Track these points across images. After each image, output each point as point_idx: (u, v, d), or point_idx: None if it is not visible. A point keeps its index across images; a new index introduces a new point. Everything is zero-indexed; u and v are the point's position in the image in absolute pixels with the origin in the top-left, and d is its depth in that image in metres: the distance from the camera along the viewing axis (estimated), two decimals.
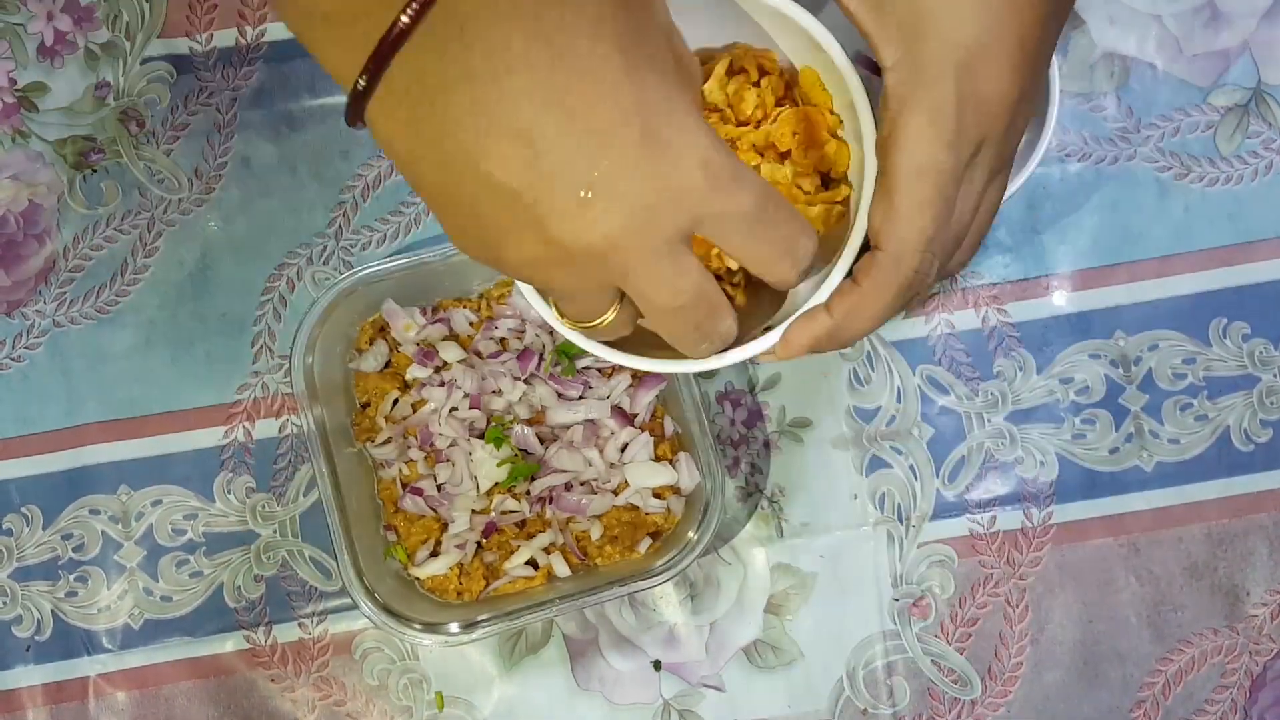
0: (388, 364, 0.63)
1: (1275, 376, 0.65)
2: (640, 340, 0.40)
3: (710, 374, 0.64)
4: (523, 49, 0.30)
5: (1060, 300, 0.65)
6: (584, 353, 0.60)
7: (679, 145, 0.32)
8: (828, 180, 0.44)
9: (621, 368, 0.61)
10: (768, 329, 0.40)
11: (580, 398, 0.61)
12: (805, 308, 0.39)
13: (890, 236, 0.36)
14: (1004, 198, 0.55)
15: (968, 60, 0.35)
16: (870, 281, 0.37)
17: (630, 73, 0.31)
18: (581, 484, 0.60)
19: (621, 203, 0.32)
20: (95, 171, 0.66)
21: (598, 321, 0.37)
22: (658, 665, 0.64)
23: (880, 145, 0.37)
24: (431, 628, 0.58)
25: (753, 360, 0.39)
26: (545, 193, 0.31)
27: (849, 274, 0.39)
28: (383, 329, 0.63)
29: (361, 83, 0.31)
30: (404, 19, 0.30)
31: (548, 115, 0.31)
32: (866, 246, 0.38)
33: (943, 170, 0.35)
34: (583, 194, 0.32)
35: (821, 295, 0.39)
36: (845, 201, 0.43)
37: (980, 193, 0.38)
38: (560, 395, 0.61)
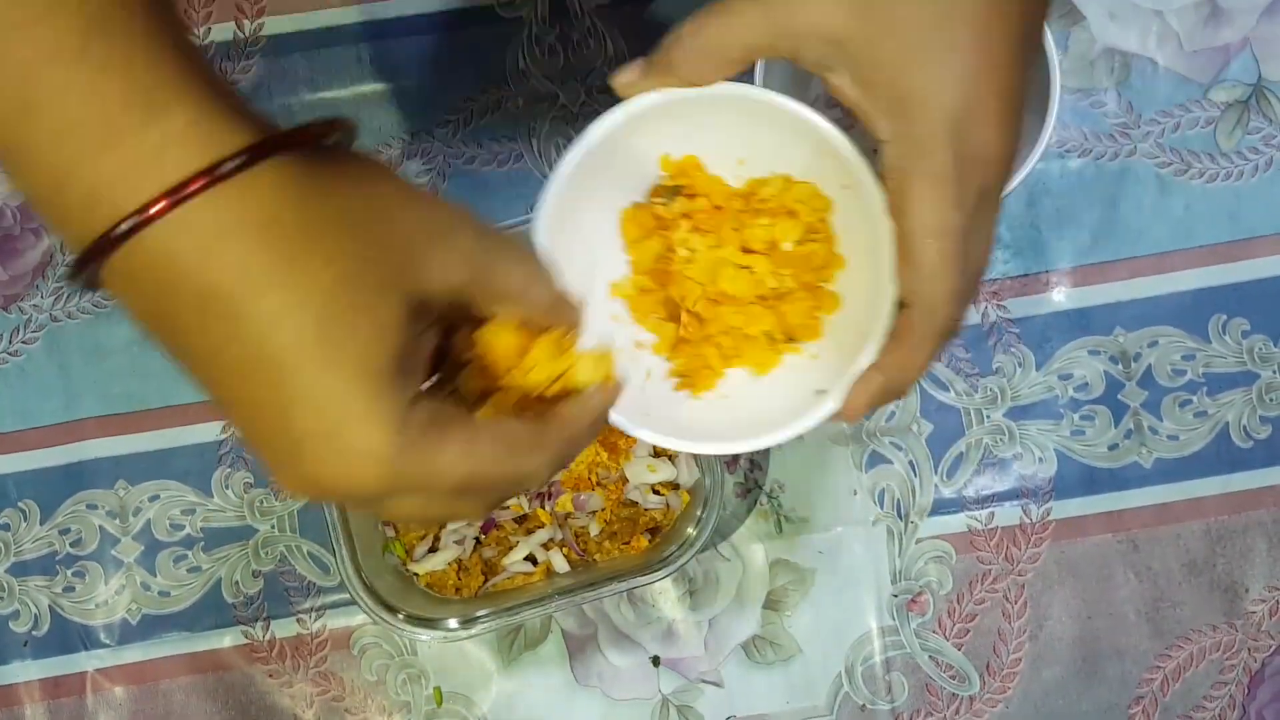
0: None
1: (1275, 373, 0.65)
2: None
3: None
4: (195, 321, 0.32)
5: (1060, 296, 0.65)
6: None
7: (350, 448, 0.32)
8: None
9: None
10: (821, 391, 0.43)
11: None
12: (856, 369, 0.41)
13: (919, 294, 0.39)
14: (1006, 195, 0.55)
15: (958, 124, 0.37)
16: (911, 336, 0.40)
17: (309, 364, 0.31)
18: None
19: (300, 485, 0.33)
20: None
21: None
22: (656, 661, 0.64)
23: (892, 213, 0.39)
24: (430, 623, 0.58)
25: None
26: (262, 441, 0.33)
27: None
28: None
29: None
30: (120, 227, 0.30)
31: (224, 390, 0.33)
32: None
33: (955, 228, 0.38)
34: (271, 460, 0.33)
35: (867, 356, 0.41)
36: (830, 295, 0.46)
37: (989, 231, 0.40)
38: None
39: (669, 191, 0.46)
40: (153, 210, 0.30)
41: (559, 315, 0.39)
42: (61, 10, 0.29)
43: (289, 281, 0.31)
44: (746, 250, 0.45)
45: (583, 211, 0.44)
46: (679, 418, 0.45)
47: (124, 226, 0.30)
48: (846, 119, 0.41)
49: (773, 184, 0.45)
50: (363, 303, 0.32)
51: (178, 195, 0.30)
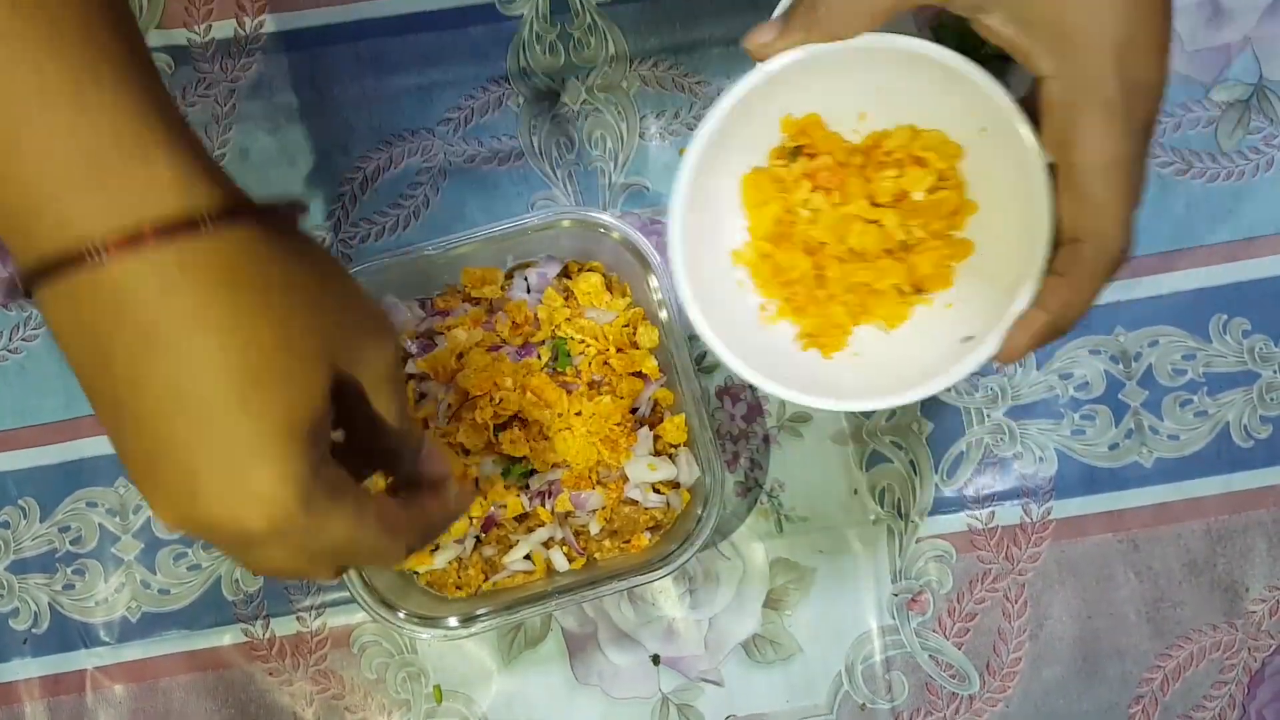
0: None
1: (1275, 373, 0.65)
2: None
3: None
4: (126, 355, 0.33)
5: None
6: (582, 349, 0.60)
7: (249, 495, 0.34)
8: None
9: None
10: (968, 339, 0.43)
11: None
12: (1013, 311, 0.41)
13: (1093, 231, 0.40)
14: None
15: (1121, 56, 0.38)
16: (1081, 271, 0.40)
17: (224, 406, 0.33)
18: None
19: (177, 521, 0.35)
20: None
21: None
22: (656, 660, 0.64)
23: (1057, 149, 0.40)
24: (430, 621, 0.58)
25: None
26: (154, 470, 0.34)
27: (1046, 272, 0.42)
28: None
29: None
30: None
31: (121, 426, 0.34)
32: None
33: (1130, 158, 0.39)
34: (147, 495, 0.35)
35: (1024, 298, 0.41)
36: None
37: (1146, 163, 0.40)
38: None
39: (789, 153, 0.46)
40: (125, 246, 0.32)
41: (401, 452, 0.42)
42: (56, 53, 0.32)
43: (236, 332, 0.33)
44: (874, 204, 0.45)
45: (707, 179, 0.44)
46: (817, 378, 0.45)
47: (95, 255, 0.31)
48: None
49: (898, 135, 0.45)
50: (298, 368, 0.34)
51: (153, 236, 0.32)
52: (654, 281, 0.59)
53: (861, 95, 0.45)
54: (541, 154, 0.65)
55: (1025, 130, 0.41)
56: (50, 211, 0.32)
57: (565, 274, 0.63)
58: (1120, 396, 0.65)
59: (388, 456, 0.42)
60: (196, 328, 0.33)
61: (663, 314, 0.59)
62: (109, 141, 0.32)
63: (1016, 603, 0.64)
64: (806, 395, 0.44)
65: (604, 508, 0.60)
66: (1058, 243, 0.42)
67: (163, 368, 0.33)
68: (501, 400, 0.59)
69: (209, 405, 0.33)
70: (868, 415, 0.65)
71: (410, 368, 0.61)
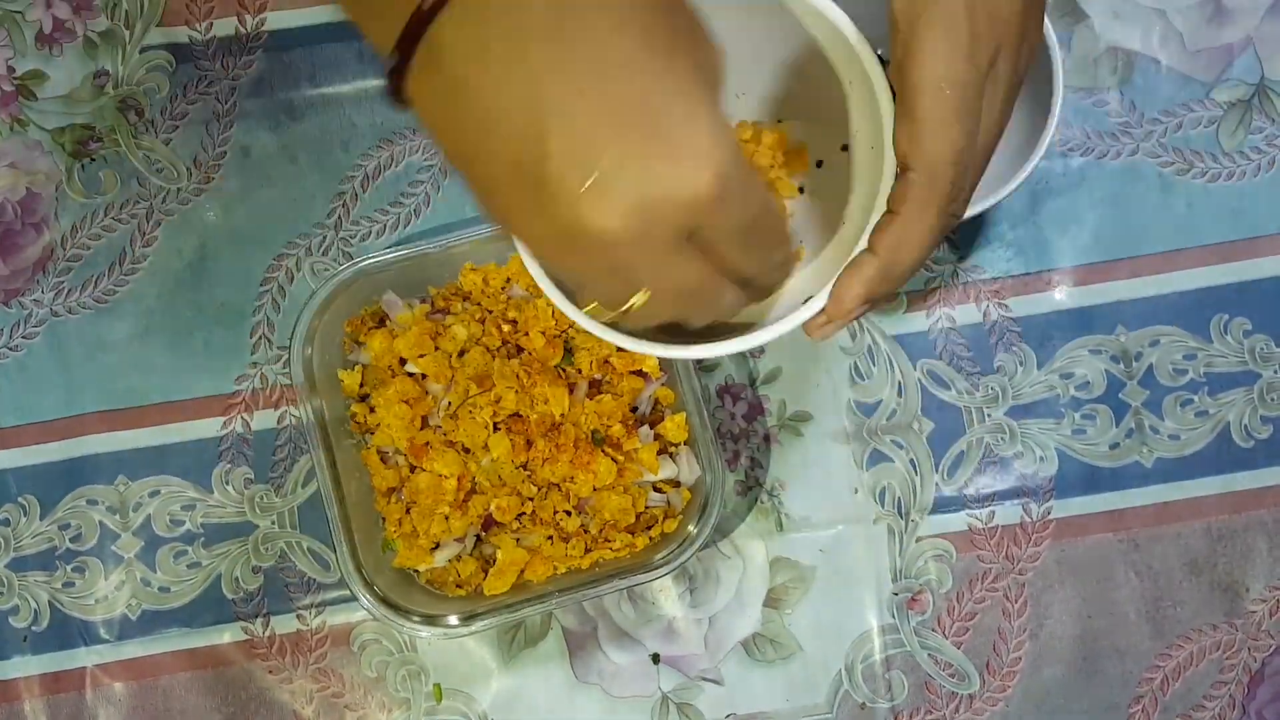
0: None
1: (1276, 373, 0.65)
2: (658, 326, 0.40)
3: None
4: (543, 24, 0.30)
5: (1061, 295, 0.65)
6: (581, 348, 0.60)
7: (693, 148, 0.32)
8: None
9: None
10: (809, 300, 0.40)
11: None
12: (846, 261, 0.38)
13: (920, 155, 0.36)
14: (1008, 194, 0.55)
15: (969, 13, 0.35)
16: (908, 206, 0.37)
17: (650, 64, 0.31)
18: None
19: (624, 197, 0.31)
20: (94, 160, 0.66)
21: (620, 309, 0.36)
22: (656, 658, 0.64)
23: (896, 69, 0.37)
24: (430, 620, 0.58)
25: (806, 331, 0.40)
26: (551, 172, 0.31)
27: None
28: (382, 319, 0.62)
29: (395, 59, 0.32)
30: None
31: (561, 93, 0.31)
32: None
33: (965, 81, 0.36)
34: (587, 180, 0.31)
35: (861, 244, 0.38)
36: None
37: (1000, 109, 0.37)
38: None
39: None
40: None
41: None
42: None
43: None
44: None
45: None
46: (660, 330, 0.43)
47: None
48: None
49: (741, 132, 0.45)
50: (698, 26, 0.33)
51: None
52: None
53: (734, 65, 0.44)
54: None
55: (874, 68, 0.39)
56: None
57: None
58: (1121, 396, 0.65)
59: None
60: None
61: None
62: None
63: (1016, 602, 0.64)
64: (647, 345, 0.41)
65: (604, 507, 0.60)
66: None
67: (576, 32, 0.31)
68: (501, 399, 0.59)
69: (636, 67, 0.31)
70: (866, 410, 0.65)
71: (410, 367, 0.61)
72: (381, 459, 0.61)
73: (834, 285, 0.38)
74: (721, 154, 0.32)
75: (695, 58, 0.32)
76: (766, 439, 0.65)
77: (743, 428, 0.65)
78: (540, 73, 0.31)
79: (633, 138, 0.31)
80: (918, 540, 0.64)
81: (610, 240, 0.32)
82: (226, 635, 0.64)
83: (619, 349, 0.60)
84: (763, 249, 0.36)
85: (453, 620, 0.58)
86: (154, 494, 0.65)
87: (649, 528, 0.61)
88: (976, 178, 0.38)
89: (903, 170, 0.37)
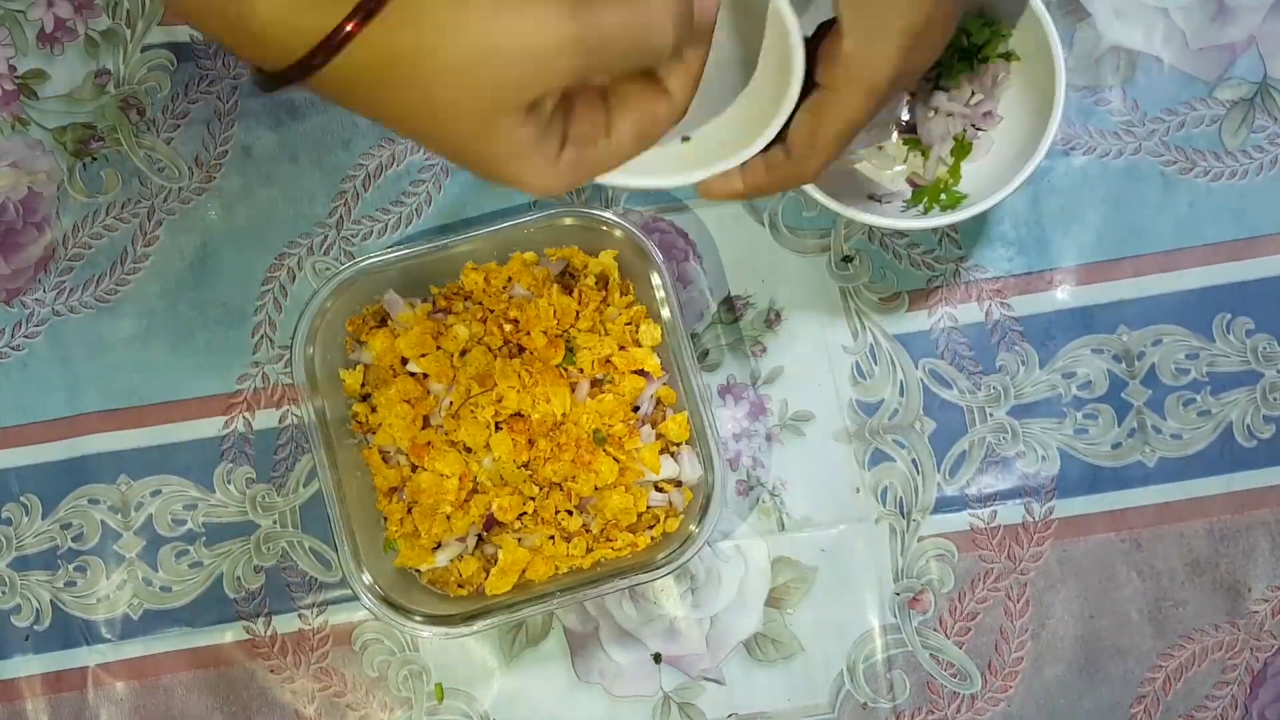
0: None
1: (1278, 372, 0.65)
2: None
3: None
4: None
5: (1063, 294, 0.65)
6: (583, 347, 0.60)
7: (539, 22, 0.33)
8: None
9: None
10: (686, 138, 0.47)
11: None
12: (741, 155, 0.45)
13: (794, 148, 0.47)
14: (1010, 192, 0.55)
15: (911, 43, 0.44)
16: (763, 172, 0.48)
17: None
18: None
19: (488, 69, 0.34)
20: (95, 159, 0.66)
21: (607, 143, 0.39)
22: (658, 658, 0.64)
23: (814, 104, 0.46)
24: (432, 620, 0.58)
25: (702, 188, 0.48)
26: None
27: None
28: (384, 319, 0.62)
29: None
30: None
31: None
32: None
33: (862, 121, 0.46)
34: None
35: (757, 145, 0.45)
36: None
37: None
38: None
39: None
40: None
41: None
42: None
43: None
44: None
45: None
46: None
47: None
48: None
49: None
50: None
51: None
52: (656, 279, 0.59)
53: None
54: None
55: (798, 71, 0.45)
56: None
57: (569, 271, 0.62)
58: (1123, 395, 0.65)
59: None
60: None
61: (665, 312, 0.59)
62: None
63: (1018, 602, 0.64)
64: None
65: (606, 506, 0.60)
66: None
67: None
68: (503, 399, 0.59)
69: None
70: (868, 410, 0.64)
71: (411, 366, 0.61)
72: (383, 458, 0.61)
73: (745, 165, 0.46)
74: (572, 22, 0.34)
75: None
76: (768, 438, 0.65)
77: (744, 427, 0.65)
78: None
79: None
80: (919, 540, 0.64)
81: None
82: (228, 635, 0.64)
83: (619, 349, 0.60)
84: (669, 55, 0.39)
85: (454, 620, 0.58)
86: (156, 493, 0.65)
87: (650, 527, 0.61)
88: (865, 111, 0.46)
89: (821, 87, 0.45)
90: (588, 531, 0.60)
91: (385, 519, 0.61)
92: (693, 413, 0.59)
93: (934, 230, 0.65)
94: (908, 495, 0.64)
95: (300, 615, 0.64)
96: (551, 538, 0.60)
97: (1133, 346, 0.65)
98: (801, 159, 0.47)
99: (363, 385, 0.62)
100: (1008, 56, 0.59)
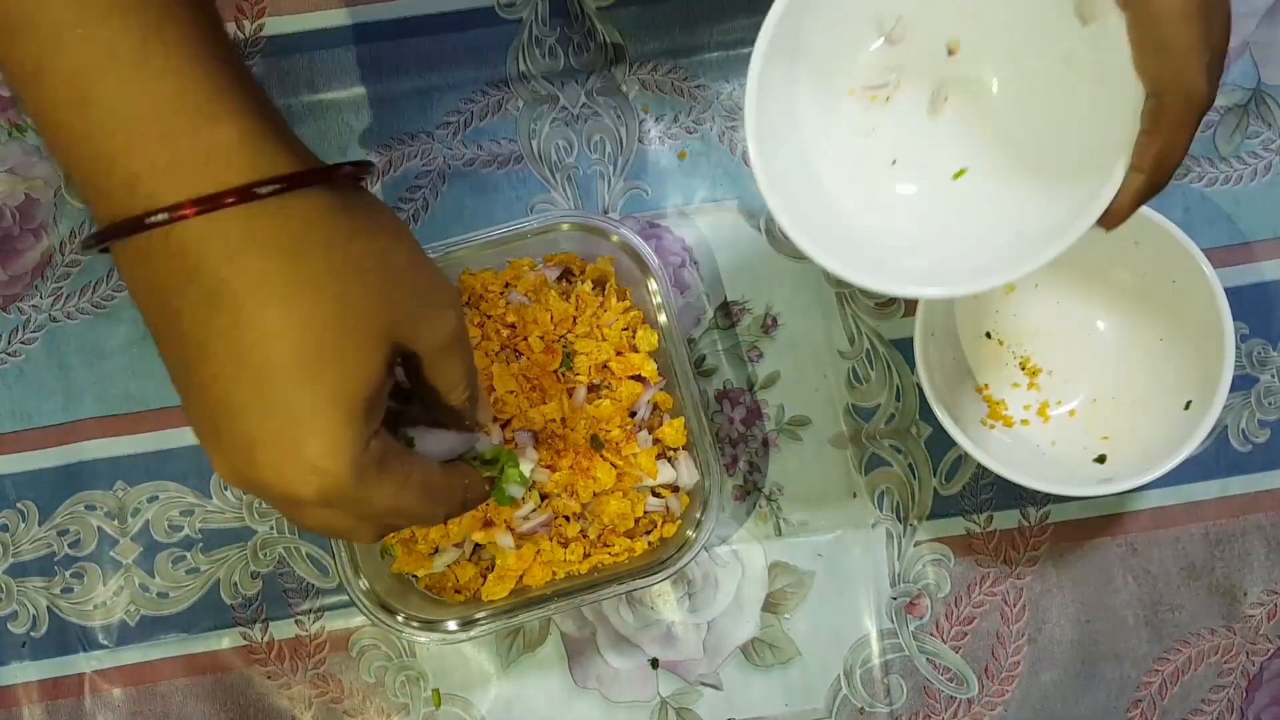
0: None
1: (1273, 377, 0.65)
2: None
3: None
4: (219, 291, 0.34)
5: None
6: (585, 352, 0.60)
7: (299, 459, 0.35)
8: None
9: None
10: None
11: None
12: (1107, 188, 0.43)
13: (1173, 79, 0.40)
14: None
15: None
16: (1169, 124, 0.41)
17: (293, 376, 0.34)
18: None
19: (239, 475, 0.36)
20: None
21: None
22: (655, 663, 0.64)
23: (1128, 3, 0.40)
24: (429, 625, 0.58)
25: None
26: (199, 427, 0.36)
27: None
28: None
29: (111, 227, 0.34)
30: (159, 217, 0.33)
31: (211, 369, 0.35)
32: None
33: (1204, 4, 0.39)
34: (218, 446, 0.36)
35: (1117, 175, 0.42)
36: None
37: (1224, 21, 0.41)
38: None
39: None
40: (192, 210, 0.32)
41: (464, 408, 0.44)
42: (119, 16, 0.32)
43: (300, 301, 0.33)
44: None
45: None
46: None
47: (161, 216, 0.32)
48: None
49: None
50: (358, 342, 0.35)
51: (217, 202, 0.32)
52: (653, 285, 0.59)
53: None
54: (541, 158, 0.65)
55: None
56: (120, 170, 0.32)
57: (567, 276, 0.63)
58: None
59: (442, 412, 0.43)
60: (260, 294, 0.33)
61: (662, 317, 0.59)
62: (175, 103, 0.32)
63: (1015, 606, 0.64)
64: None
65: (603, 511, 0.60)
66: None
67: (226, 332, 0.33)
68: (499, 402, 0.59)
69: (268, 373, 0.34)
70: (865, 415, 0.65)
71: None
72: None
73: (1110, 207, 0.43)
74: (325, 477, 0.35)
75: (342, 383, 0.35)
76: (765, 443, 0.65)
77: (741, 432, 0.65)
78: (175, 358, 0.36)
79: (249, 434, 0.35)
80: (916, 545, 0.64)
81: (247, 492, 0.37)
82: (225, 641, 0.64)
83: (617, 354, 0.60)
84: (394, 524, 0.40)
85: (451, 625, 0.58)
86: (152, 499, 0.65)
87: (648, 532, 0.61)
88: (1221, 73, 0.42)
89: (1156, 93, 0.41)
90: (584, 537, 0.60)
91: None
92: (690, 418, 0.59)
93: None
94: (904, 500, 0.64)
95: (297, 621, 0.64)
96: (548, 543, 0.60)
97: None
98: (1159, 174, 0.43)
99: None
100: None
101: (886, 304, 0.65)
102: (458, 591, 0.61)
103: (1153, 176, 0.42)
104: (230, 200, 0.32)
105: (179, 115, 0.32)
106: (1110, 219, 0.43)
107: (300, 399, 0.34)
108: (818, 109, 0.48)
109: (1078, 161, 0.45)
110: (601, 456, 0.59)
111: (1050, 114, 0.47)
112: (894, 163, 0.50)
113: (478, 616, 0.58)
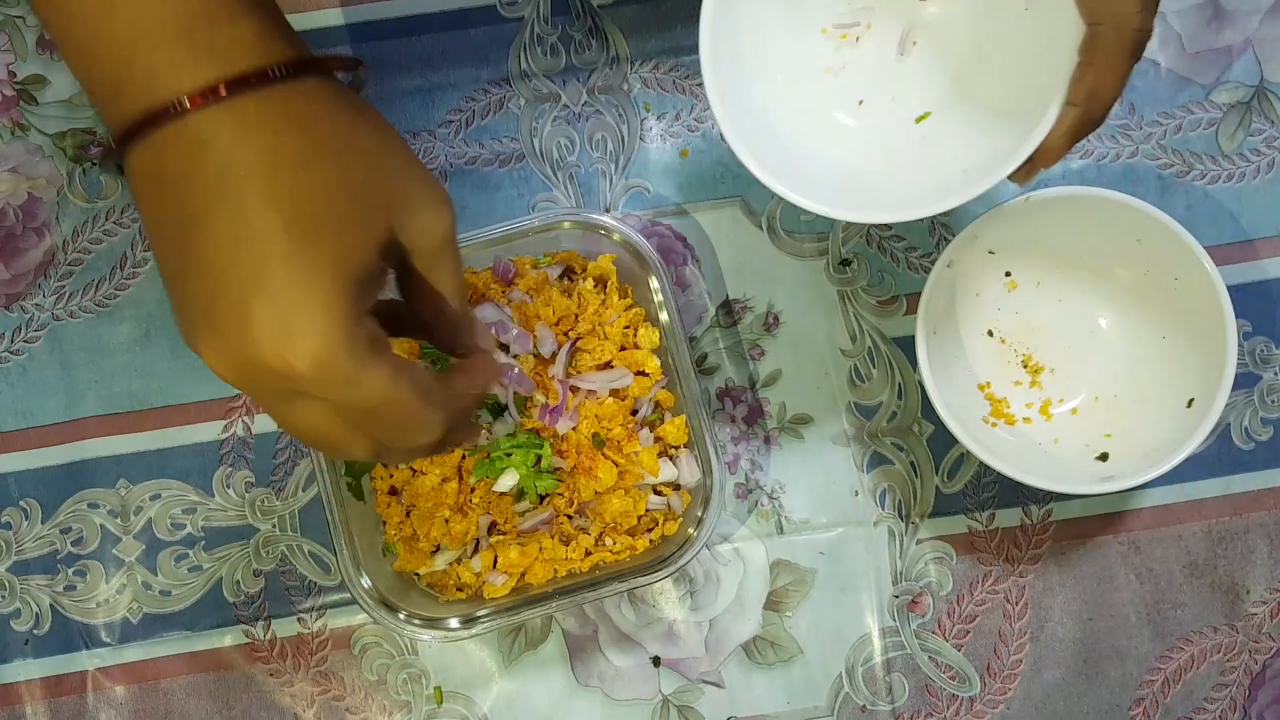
0: None
1: (1276, 375, 0.65)
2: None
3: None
4: (222, 172, 0.34)
5: None
6: (582, 350, 0.60)
7: (292, 329, 0.34)
8: None
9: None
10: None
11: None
12: (1043, 124, 0.44)
13: (1105, 9, 0.41)
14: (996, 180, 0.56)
15: None
16: (1102, 56, 0.41)
17: (285, 244, 0.34)
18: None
19: (231, 352, 0.35)
20: (95, 165, 0.66)
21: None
22: (657, 661, 0.64)
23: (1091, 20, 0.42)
24: (431, 623, 0.58)
25: (1013, 178, 0.47)
26: (184, 306, 0.36)
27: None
28: None
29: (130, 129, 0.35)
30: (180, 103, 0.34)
31: (207, 244, 0.35)
32: None
33: (1146, 35, 0.41)
34: (209, 324, 0.35)
35: (1052, 111, 0.43)
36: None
37: None
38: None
39: None
40: (209, 94, 0.34)
41: (448, 325, 0.43)
42: None
43: (308, 169, 0.35)
44: None
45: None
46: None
47: (179, 104, 0.34)
48: None
49: None
50: (356, 215, 0.36)
51: (236, 84, 0.34)
52: (654, 283, 0.59)
53: None
54: (542, 156, 0.65)
55: None
56: (141, 67, 0.34)
57: (568, 274, 0.63)
58: None
59: (434, 329, 0.43)
60: (269, 163, 0.34)
61: (663, 315, 0.59)
62: (198, 4, 0.34)
63: (1017, 604, 0.64)
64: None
65: (605, 509, 0.60)
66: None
67: (231, 201, 0.34)
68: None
69: (269, 242, 0.34)
70: (867, 413, 0.65)
71: None
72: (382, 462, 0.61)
73: (1043, 143, 0.43)
74: (320, 343, 0.35)
75: (340, 248, 0.35)
76: (767, 441, 0.65)
77: (743, 430, 0.65)
78: (172, 245, 0.35)
79: (245, 302, 0.34)
80: (918, 543, 0.64)
81: (227, 380, 0.36)
82: (228, 638, 0.64)
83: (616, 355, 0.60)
84: (385, 431, 0.39)
85: (453, 623, 0.58)
86: (155, 497, 0.65)
87: (649, 530, 0.61)
88: (1153, 19, 0.42)
89: (1092, 24, 0.41)
90: (586, 535, 0.61)
91: (384, 523, 0.61)
92: (691, 416, 0.59)
93: (931, 233, 0.65)
94: (906, 498, 0.64)
95: (299, 619, 0.64)
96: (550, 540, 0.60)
97: None
98: (1093, 109, 0.44)
99: None
100: None
101: (888, 302, 0.65)
102: (459, 590, 0.61)
103: (1086, 111, 0.42)
104: (252, 80, 0.34)
105: (200, 15, 0.34)
106: (1045, 155, 0.43)
107: (298, 267, 0.34)
108: (788, 41, 0.50)
109: (1026, 102, 0.46)
110: (603, 455, 0.59)
111: (1010, 57, 0.48)
112: (861, 103, 0.52)
113: (479, 614, 0.58)
